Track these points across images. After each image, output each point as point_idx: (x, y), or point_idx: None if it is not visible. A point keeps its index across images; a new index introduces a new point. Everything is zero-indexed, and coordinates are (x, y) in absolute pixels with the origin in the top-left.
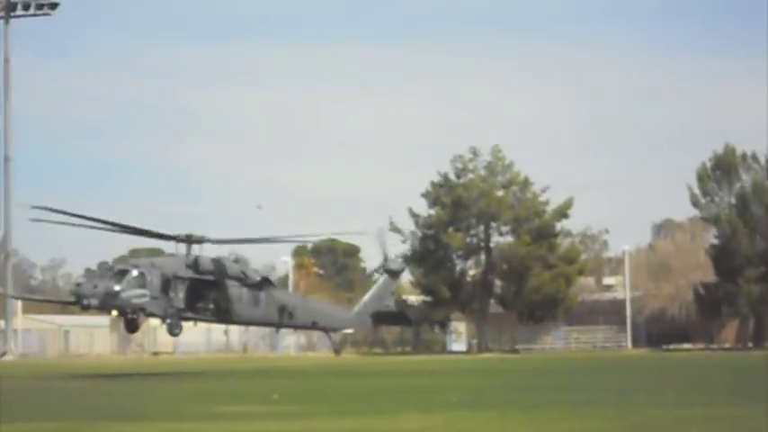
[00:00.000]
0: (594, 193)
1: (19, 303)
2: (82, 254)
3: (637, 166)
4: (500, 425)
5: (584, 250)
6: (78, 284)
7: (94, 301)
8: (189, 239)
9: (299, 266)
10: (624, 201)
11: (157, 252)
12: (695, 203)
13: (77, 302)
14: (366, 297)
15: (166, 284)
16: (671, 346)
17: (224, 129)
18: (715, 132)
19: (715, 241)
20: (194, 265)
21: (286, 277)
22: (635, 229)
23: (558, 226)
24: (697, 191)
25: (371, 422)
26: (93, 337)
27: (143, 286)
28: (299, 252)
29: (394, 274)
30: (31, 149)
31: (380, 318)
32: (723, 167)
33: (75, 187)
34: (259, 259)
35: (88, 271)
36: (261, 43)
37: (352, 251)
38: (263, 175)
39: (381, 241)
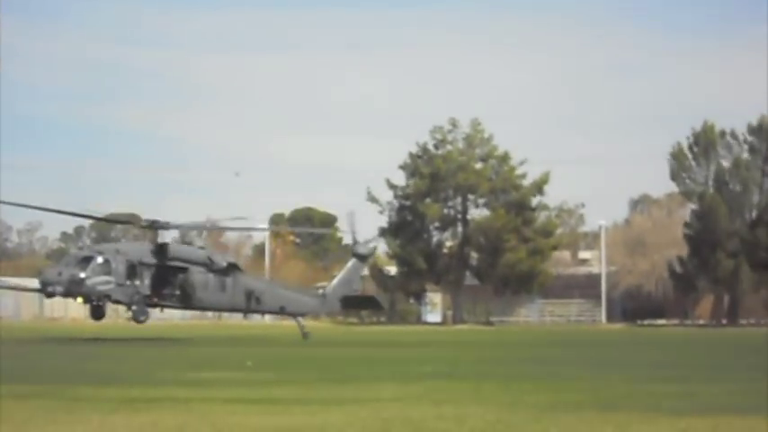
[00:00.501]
0: (572, 167)
1: None
2: (58, 217)
3: (614, 141)
4: (475, 396)
5: (561, 224)
6: (43, 272)
7: (59, 289)
8: (153, 225)
9: (275, 235)
10: (601, 176)
11: (134, 217)
12: (674, 179)
13: (42, 290)
14: (334, 281)
15: (132, 271)
16: (645, 322)
17: (202, 96)
18: (694, 109)
19: (691, 217)
20: (160, 251)
21: (262, 245)
22: (612, 204)
23: (535, 200)
24: (675, 166)
25: (346, 391)
26: (68, 300)
27: (108, 273)
28: (275, 220)
29: (362, 258)
30: (17, 114)
31: (349, 302)
32: (701, 144)
33: (66, 152)
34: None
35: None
36: (241, 11)
37: (329, 221)
38: (240, 144)
39: (351, 224)
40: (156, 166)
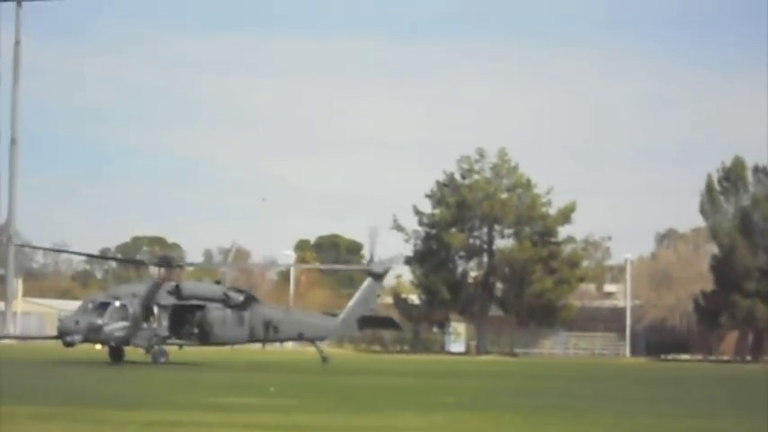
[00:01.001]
0: (599, 200)
1: (20, 286)
2: (84, 238)
3: (642, 174)
4: (496, 427)
5: (587, 257)
6: (61, 321)
7: (78, 338)
8: (168, 263)
9: (300, 261)
10: (628, 209)
11: (160, 241)
12: (704, 213)
13: (61, 338)
14: (351, 302)
15: (149, 314)
16: (669, 356)
17: (230, 119)
18: (723, 144)
19: (716, 252)
20: (176, 291)
21: (287, 271)
22: (638, 237)
23: (562, 232)
24: (705, 201)
25: (367, 419)
26: None
27: (125, 318)
28: (301, 246)
29: (378, 277)
30: (37, 132)
31: (367, 322)
32: (731, 179)
33: (80, 171)
34: (260, 252)
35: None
36: (271, 35)
37: (355, 248)
38: (268, 168)
39: (372, 241)
40: (182, 189)
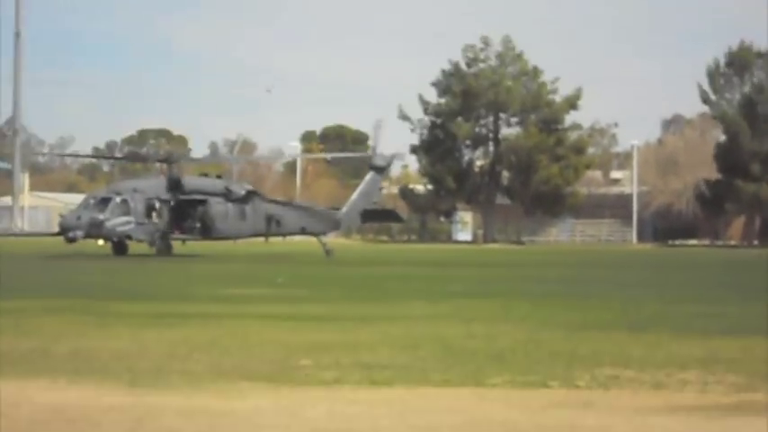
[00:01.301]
0: (604, 87)
1: (26, 180)
2: (90, 132)
3: (648, 60)
4: (504, 314)
5: (593, 144)
6: (62, 217)
7: (79, 233)
8: (169, 159)
9: (307, 152)
10: (634, 96)
11: (166, 134)
12: (705, 100)
13: (63, 235)
14: (354, 196)
15: (150, 208)
16: (676, 242)
17: (236, 10)
18: (731, 29)
19: (721, 139)
20: (177, 185)
21: (294, 163)
22: (644, 124)
23: (568, 119)
24: (707, 87)
25: (377, 309)
26: None
27: (127, 213)
28: (307, 137)
29: (380, 170)
30: (42, 26)
31: (369, 215)
32: (736, 64)
33: (86, 64)
34: (266, 144)
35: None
36: None
37: (361, 138)
38: (273, 59)
39: (376, 133)
40: (188, 82)
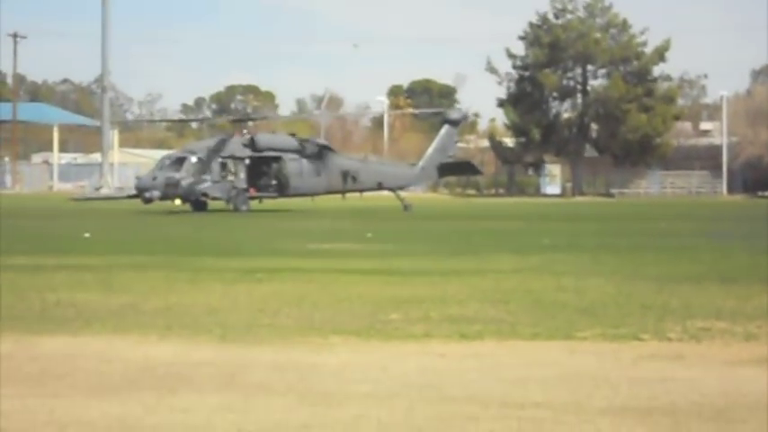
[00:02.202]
0: (693, 37)
1: (116, 137)
2: (178, 88)
3: (737, 10)
4: (594, 267)
5: (682, 95)
6: (138, 178)
7: (156, 193)
8: (243, 118)
9: (393, 106)
10: (723, 46)
11: (253, 89)
12: None
13: (139, 196)
14: (429, 150)
15: (225, 167)
16: (766, 193)
17: None
18: None
19: None
20: (251, 143)
21: (381, 117)
22: (733, 74)
23: (656, 70)
24: None
25: (466, 262)
26: None
27: (202, 172)
28: (394, 92)
29: (454, 123)
30: None
31: (446, 169)
32: None
33: (173, 21)
34: (353, 99)
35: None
36: None
37: (448, 92)
38: (360, 14)
39: (457, 86)
40: (274, 38)
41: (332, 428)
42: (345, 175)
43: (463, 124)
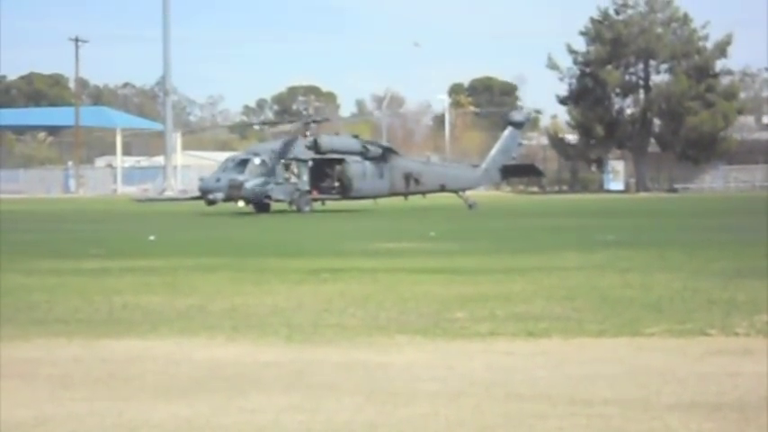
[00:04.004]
0: (755, 30)
1: (179, 140)
2: (239, 91)
3: None
4: (660, 264)
5: (744, 89)
6: (202, 179)
7: (219, 195)
8: (308, 120)
9: (455, 104)
10: None
11: (314, 90)
12: None
13: (203, 198)
14: (492, 152)
15: (289, 168)
16: None
17: None
18: None
19: None
20: (314, 145)
21: (442, 116)
22: None
23: (719, 63)
24: None
25: (530, 260)
26: None
27: (266, 174)
28: (455, 90)
29: (518, 125)
30: None
31: (509, 171)
32: None
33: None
34: (414, 98)
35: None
36: None
37: (509, 89)
38: (420, 12)
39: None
40: (335, 37)
41: (399, 427)
42: (408, 177)
43: (526, 125)
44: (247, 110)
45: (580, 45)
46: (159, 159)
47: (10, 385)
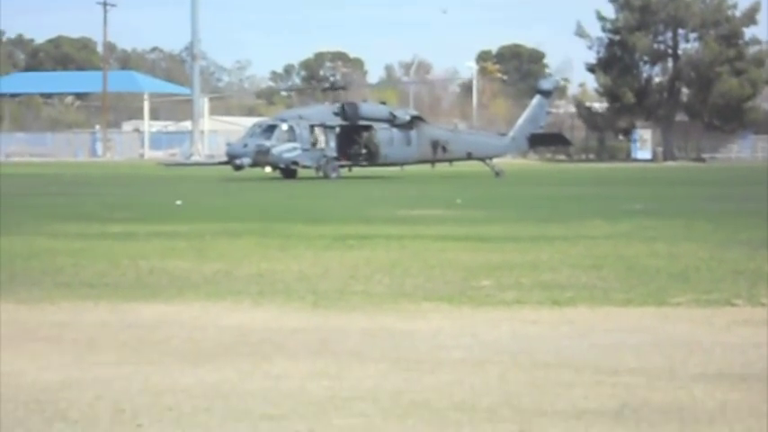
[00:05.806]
0: None
1: (206, 105)
2: (267, 56)
3: None
4: (686, 234)
5: None
6: (229, 145)
7: (246, 160)
8: (333, 86)
9: (482, 72)
10: None
11: (342, 56)
12: None
13: (230, 163)
14: (520, 120)
15: (316, 135)
16: None
17: None
18: None
19: None
20: (341, 112)
21: (470, 83)
22: None
23: (747, 33)
24: None
25: (556, 229)
26: None
27: (293, 139)
28: (482, 57)
29: (546, 94)
30: None
31: (537, 140)
32: None
33: None
34: (441, 64)
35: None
36: None
37: (537, 57)
38: None
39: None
40: (363, 3)
41: (424, 395)
42: (435, 144)
43: (553, 94)
44: (275, 75)
45: (609, 12)
46: (186, 124)
47: (36, 349)
